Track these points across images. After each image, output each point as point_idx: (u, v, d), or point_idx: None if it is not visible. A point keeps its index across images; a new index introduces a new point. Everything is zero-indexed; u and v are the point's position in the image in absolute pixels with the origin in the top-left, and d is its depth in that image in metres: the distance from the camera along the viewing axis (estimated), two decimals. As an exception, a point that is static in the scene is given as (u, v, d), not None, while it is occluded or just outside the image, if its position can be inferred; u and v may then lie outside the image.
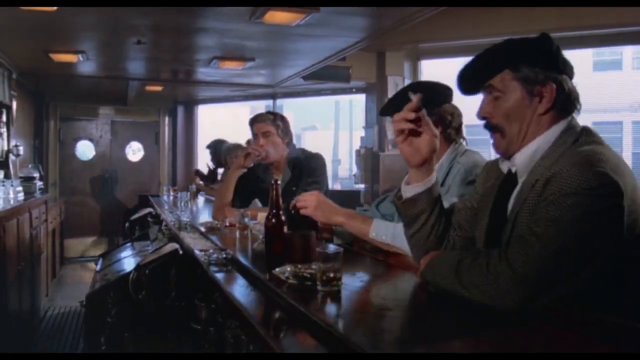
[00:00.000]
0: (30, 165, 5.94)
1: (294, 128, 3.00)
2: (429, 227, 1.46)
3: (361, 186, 6.21)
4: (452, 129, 2.10)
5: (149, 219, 3.58)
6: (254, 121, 2.89)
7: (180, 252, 2.21)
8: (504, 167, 1.41)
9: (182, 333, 2.01)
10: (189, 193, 3.72)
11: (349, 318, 1.21)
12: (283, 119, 2.91)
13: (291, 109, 12.11)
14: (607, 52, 11.96)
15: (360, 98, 6.62)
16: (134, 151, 8.15)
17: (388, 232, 1.77)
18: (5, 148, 5.13)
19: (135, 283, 2.10)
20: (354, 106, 14.25)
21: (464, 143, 2.16)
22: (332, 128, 17.15)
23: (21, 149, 5.46)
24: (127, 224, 3.92)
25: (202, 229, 2.47)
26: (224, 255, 1.81)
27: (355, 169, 6.51)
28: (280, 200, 1.62)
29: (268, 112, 2.97)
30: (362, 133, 6.40)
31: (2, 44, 4.52)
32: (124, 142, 8.07)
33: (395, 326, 1.16)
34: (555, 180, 1.17)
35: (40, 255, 4.99)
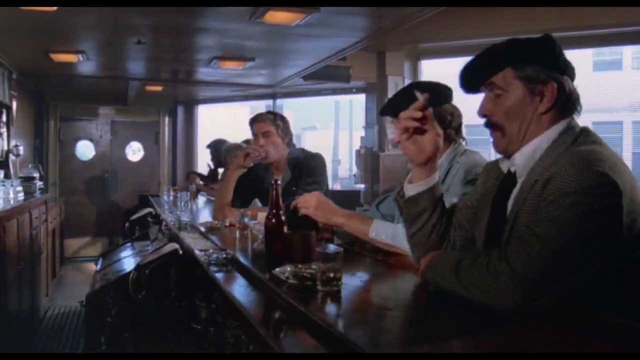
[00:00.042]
0: (30, 165, 5.94)
1: (294, 128, 3.00)
2: (430, 226, 1.46)
3: (361, 186, 6.21)
4: (451, 129, 2.11)
5: (149, 219, 3.57)
6: (254, 121, 2.89)
7: (180, 252, 2.21)
8: (504, 166, 1.41)
9: (182, 333, 2.01)
10: (189, 193, 3.72)
11: (349, 318, 1.21)
12: (283, 118, 2.91)
13: (291, 109, 12.10)
14: (607, 52, 11.97)
15: (360, 98, 6.62)
16: (134, 151, 8.15)
17: (388, 232, 1.77)
18: (5, 148, 5.13)
19: (135, 283, 2.10)
20: (354, 106, 14.28)
21: (463, 143, 2.16)
22: (332, 128, 17.16)
23: (21, 149, 5.46)
24: (127, 224, 3.92)
25: (202, 229, 2.47)
26: (224, 255, 1.81)
27: (355, 169, 6.52)
28: (280, 200, 1.62)
29: (268, 112, 2.97)
30: (362, 133, 6.41)
31: (2, 44, 4.52)
32: (124, 142, 8.07)
33: (395, 326, 1.16)
34: (555, 180, 1.17)
35: (40, 255, 4.98)
